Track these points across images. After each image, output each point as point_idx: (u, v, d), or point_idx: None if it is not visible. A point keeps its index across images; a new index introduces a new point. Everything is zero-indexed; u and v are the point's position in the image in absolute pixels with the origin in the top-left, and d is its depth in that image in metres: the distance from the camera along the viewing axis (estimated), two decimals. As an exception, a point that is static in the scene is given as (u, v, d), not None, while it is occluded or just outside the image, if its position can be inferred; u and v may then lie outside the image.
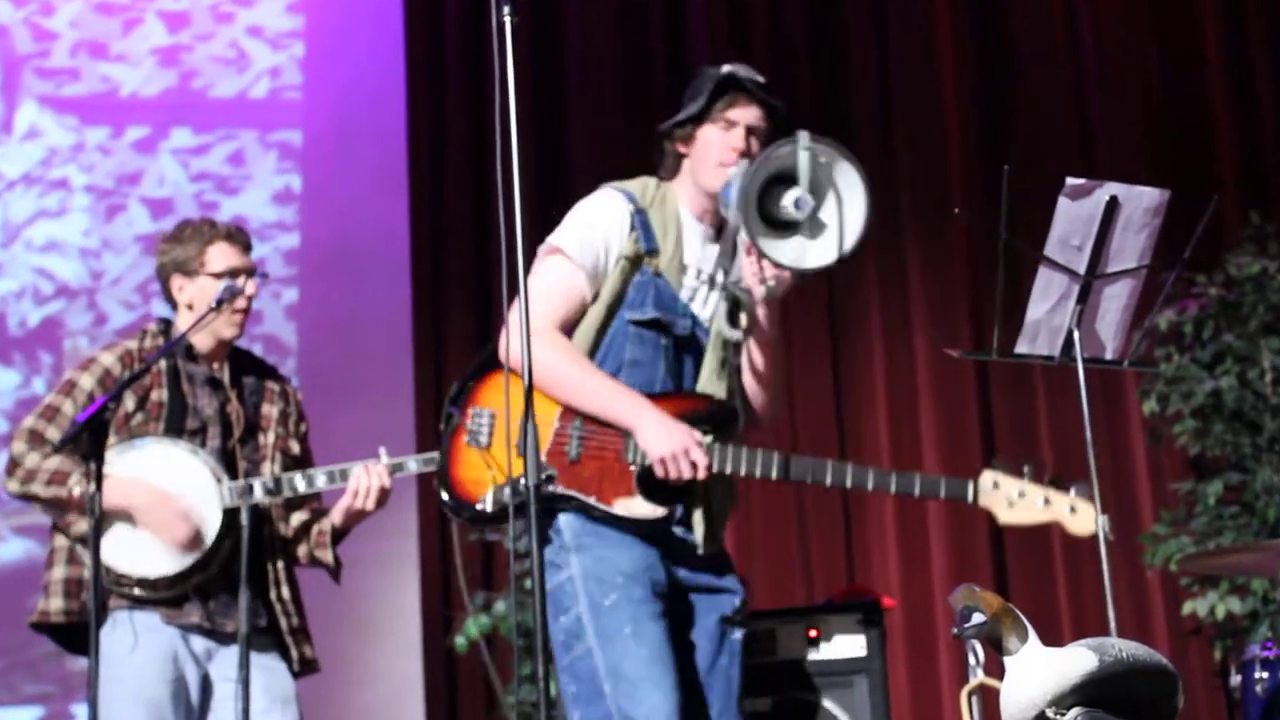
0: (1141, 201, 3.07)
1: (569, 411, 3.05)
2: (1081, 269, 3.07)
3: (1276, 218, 5.35)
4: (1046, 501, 3.13)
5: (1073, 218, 3.04)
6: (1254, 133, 6.02)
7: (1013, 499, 3.14)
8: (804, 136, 2.95)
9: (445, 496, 3.09)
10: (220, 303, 3.42)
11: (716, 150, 3.14)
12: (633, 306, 3.10)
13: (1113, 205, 3.04)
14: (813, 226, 2.97)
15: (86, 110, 6.17)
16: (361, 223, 6.12)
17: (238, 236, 3.57)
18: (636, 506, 3.02)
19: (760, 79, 3.18)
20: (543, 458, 2.98)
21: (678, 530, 3.08)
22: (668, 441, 2.99)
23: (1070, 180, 3.03)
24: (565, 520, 3.03)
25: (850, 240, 2.96)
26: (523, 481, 2.93)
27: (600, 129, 6.12)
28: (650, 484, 3.03)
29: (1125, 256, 3.09)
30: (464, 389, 3.14)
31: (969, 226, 5.88)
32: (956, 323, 5.97)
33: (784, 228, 2.98)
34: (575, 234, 3.12)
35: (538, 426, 2.93)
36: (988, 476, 3.16)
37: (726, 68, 3.17)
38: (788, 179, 2.96)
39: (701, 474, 3.01)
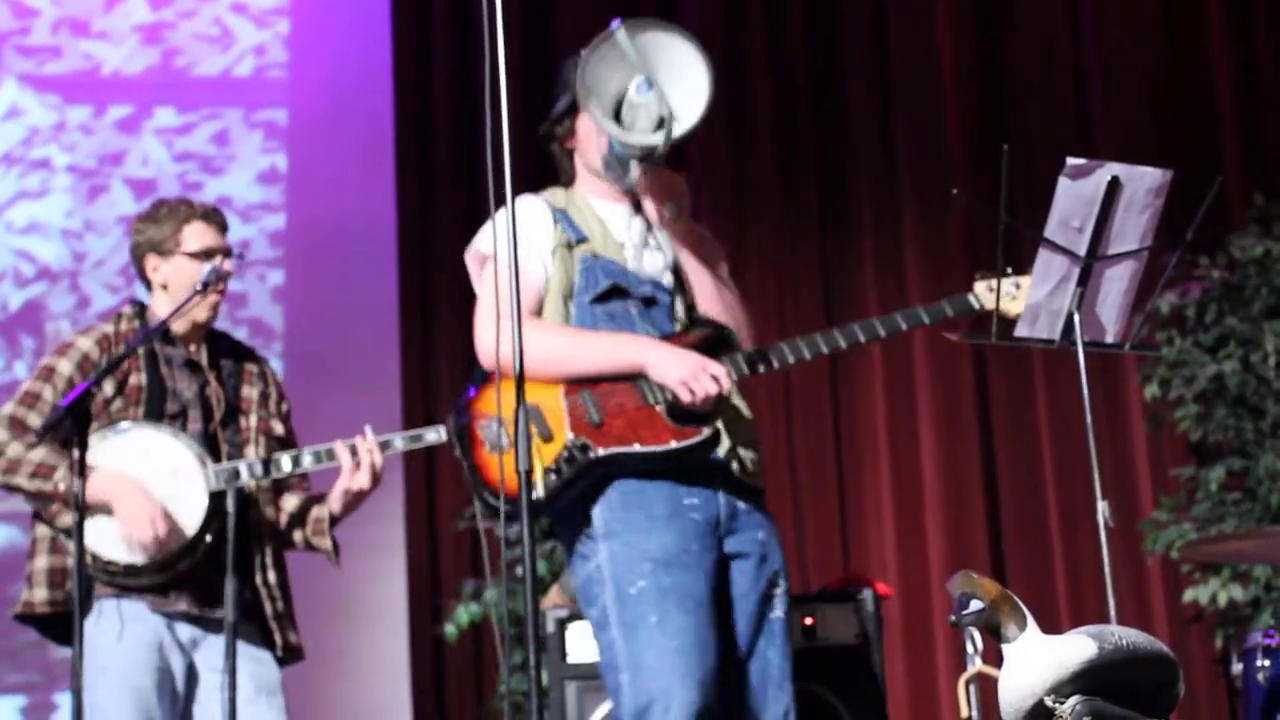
0: (1143, 182, 3.02)
1: (571, 386, 3.01)
2: (1082, 251, 3.03)
3: (1280, 198, 5.31)
4: (1017, 287, 3.17)
5: (1073, 199, 3.00)
6: (1258, 112, 6.00)
7: (1014, 293, 3.16)
8: (617, 24, 3.01)
9: (505, 507, 2.93)
10: (206, 286, 3.40)
11: (598, 132, 3.12)
12: (588, 289, 3.08)
13: (1114, 186, 3.00)
14: (665, 101, 3.01)
15: (68, 89, 6.13)
16: (348, 203, 6.09)
17: (214, 216, 3.55)
18: (680, 435, 2.97)
19: None
20: (569, 434, 2.95)
21: (719, 456, 3.03)
22: (683, 365, 2.96)
23: (1071, 160, 2.98)
24: (597, 512, 2.97)
25: (701, 96, 3.00)
26: (562, 459, 2.90)
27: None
28: (680, 417, 2.99)
29: (1126, 238, 3.04)
30: (461, 414, 3.10)
31: (968, 208, 5.84)
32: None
33: (646, 119, 3.01)
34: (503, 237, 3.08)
35: (547, 412, 2.96)
36: (980, 284, 3.19)
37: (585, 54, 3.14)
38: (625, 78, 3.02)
39: (725, 384, 2.97)
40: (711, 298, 3.14)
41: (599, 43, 3.00)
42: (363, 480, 3.42)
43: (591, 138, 3.14)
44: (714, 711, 2.89)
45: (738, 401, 3.11)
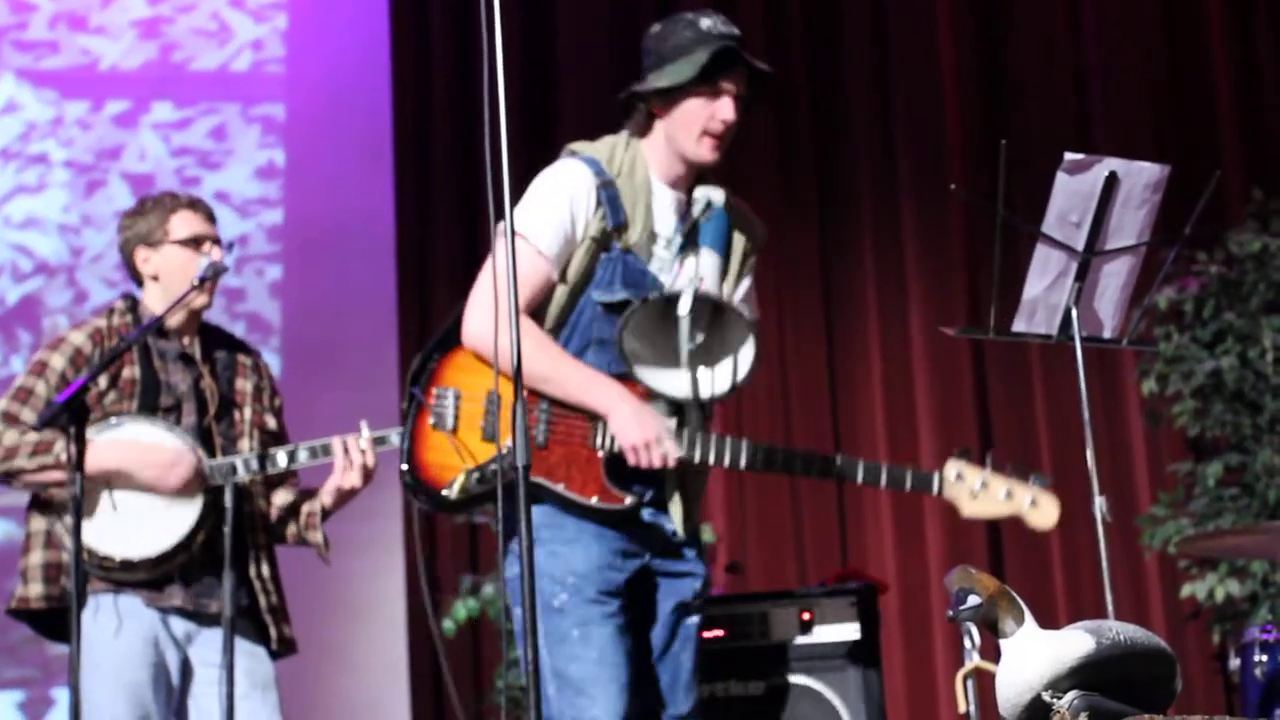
0: (1141, 177, 3.02)
1: (534, 395, 2.98)
2: (1080, 246, 3.02)
3: (1279, 194, 5.29)
4: (1009, 494, 3.14)
5: (1071, 194, 2.99)
6: (1256, 108, 5.98)
7: (975, 491, 3.14)
8: (686, 294, 2.96)
9: (409, 480, 3.04)
10: (203, 280, 3.40)
11: (702, 119, 3.03)
12: (600, 286, 3.02)
13: (1112, 181, 2.99)
14: (707, 355, 2.99)
15: (66, 84, 6.12)
16: (346, 198, 6.08)
17: (200, 205, 3.56)
18: (606, 496, 2.97)
19: (739, 39, 3.07)
20: (507, 443, 2.91)
21: (646, 514, 3.02)
22: (640, 430, 2.93)
23: (1069, 155, 2.98)
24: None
25: (734, 379, 3.01)
26: (489, 469, 2.88)
27: (591, 104, 6.04)
28: (618, 470, 2.98)
29: (1124, 233, 3.04)
30: (426, 366, 3.06)
31: (966, 202, 5.83)
32: (953, 300, 5.93)
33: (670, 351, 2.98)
34: (538, 215, 3.02)
35: (501, 410, 2.92)
36: (951, 468, 3.17)
37: (714, 28, 3.04)
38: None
39: (671, 463, 2.96)
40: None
41: (646, 304, 2.96)
42: (354, 478, 3.42)
43: (695, 119, 3.03)
44: (637, 715, 2.92)
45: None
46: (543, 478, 2.94)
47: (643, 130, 3.09)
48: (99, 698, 3.28)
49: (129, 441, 3.33)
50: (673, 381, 2.96)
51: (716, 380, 2.99)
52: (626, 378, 3.01)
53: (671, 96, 3.03)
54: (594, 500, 2.95)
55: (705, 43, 3.01)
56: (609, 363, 3.02)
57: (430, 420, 3.00)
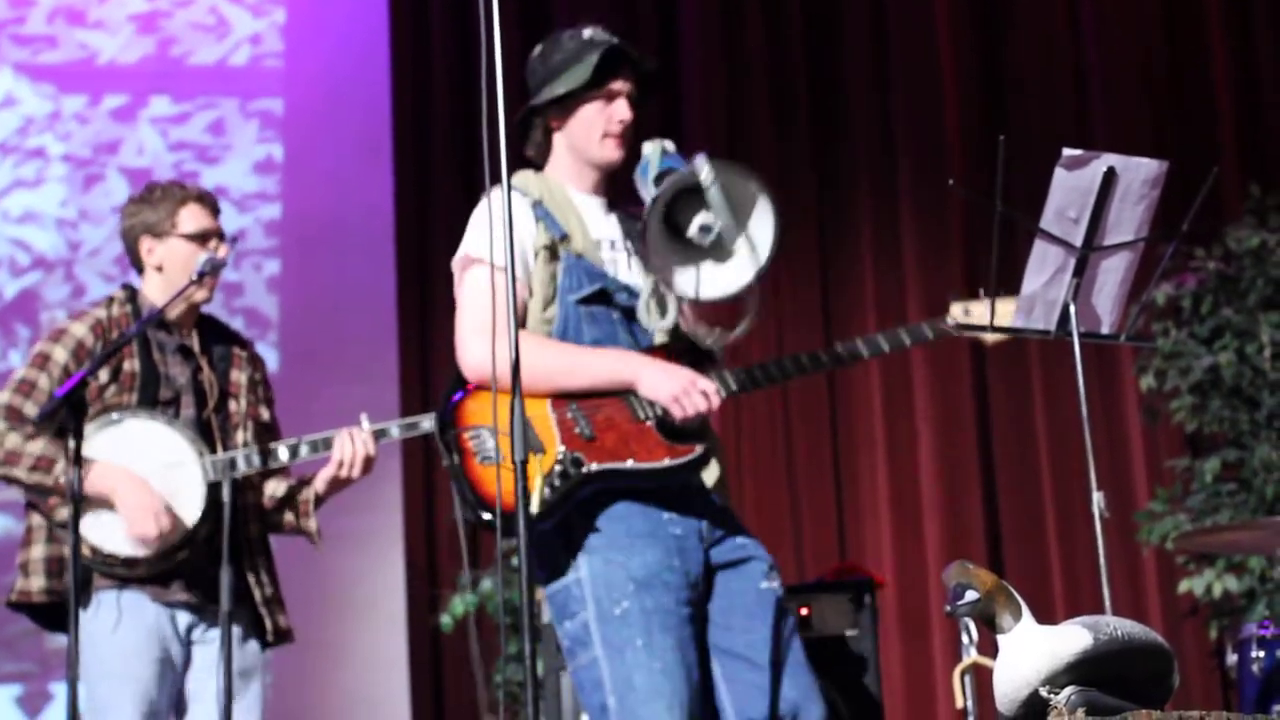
0: (1139, 173, 3.01)
1: (558, 400, 2.97)
2: (1078, 242, 3.02)
3: (1277, 190, 5.29)
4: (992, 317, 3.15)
5: (1069, 189, 2.99)
6: (1255, 105, 5.98)
7: (988, 317, 3.15)
8: (702, 162, 2.88)
9: (488, 517, 2.93)
10: (202, 275, 3.39)
11: (601, 123, 3.06)
12: (572, 289, 3.03)
13: (1110, 177, 2.99)
14: (717, 252, 2.92)
15: (63, 78, 6.11)
16: (345, 193, 6.07)
17: (207, 199, 3.54)
18: (675, 452, 2.94)
19: (622, 42, 3.10)
20: (561, 447, 2.92)
21: (699, 479, 3.00)
22: (675, 381, 2.93)
23: (1067, 151, 2.97)
24: (575, 525, 2.93)
25: (749, 275, 2.91)
26: (556, 471, 2.87)
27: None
28: (670, 433, 2.97)
29: (1123, 229, 3.04)
30: (446, 420, 3.04)
31: (964, 198, 5.83)
32: (951, 295, 5.92)
33: (687, 246, 2.92)
34: (488, 238, 2.99)
35: (537, 424, 2.90)
36: (957, 308, 3.18)
37: (596, 36, 3.08)
38: (695, 195, 2.90)
39: (715, 400, 2.95)
40: (691, 314, 3.08)
41: (680, 178, 2.89)
42: (355, 470, 3.41)
43: (593, 124, 3.07)
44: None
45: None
46: (610, 462, 2.91)
47: (543, 154, 3.14)
48: (105, 694, 3.29)
49: (122, 470, 3.31)
50: (694, 280, 2.92)
51: (738, 269, 2.92)
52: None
53: (567, 105, 3.08)
54: (666, 461, 2.92)
55: (591, 48, 3.06)
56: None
57: (477, 459, 2.95)
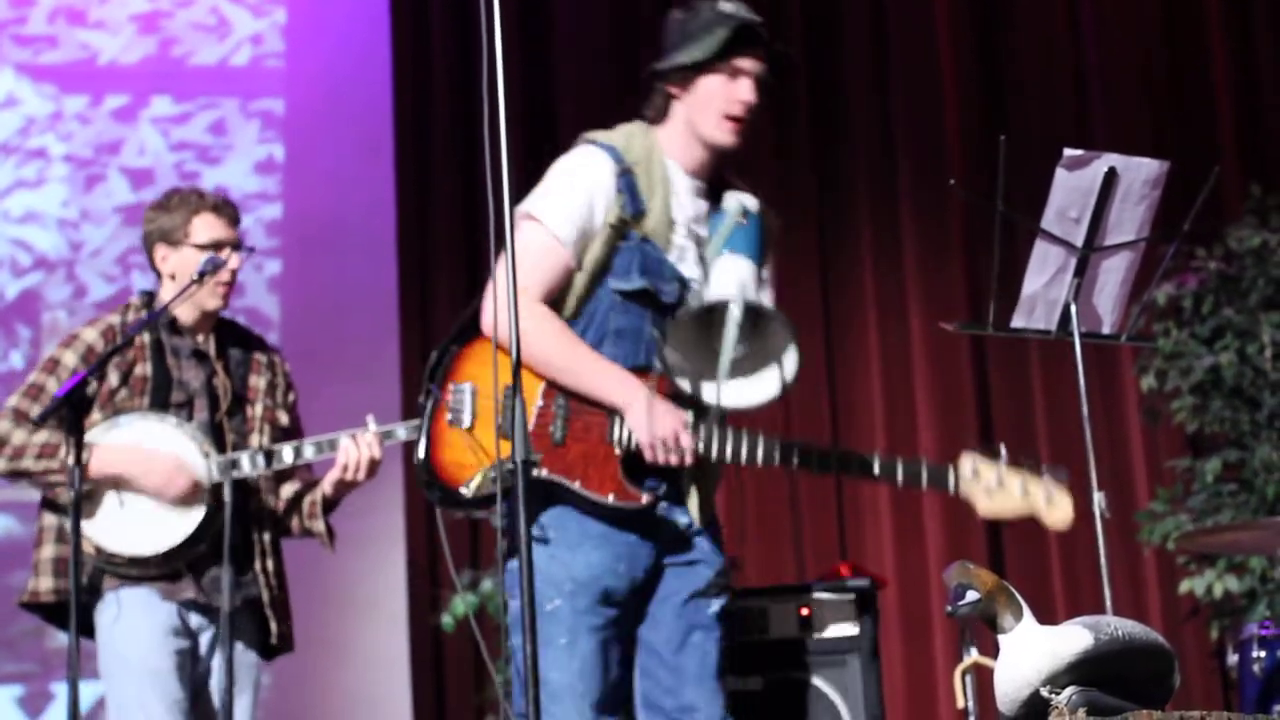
0: (1140, 173, 3.01)
1: (552, 388, 2.96)
2: (1079, 242, 3.02)
3: (1278, 190, 5.28)
4: (1025, 491, 3.04)
5: (1070, 189, 2.99)
6: (1255, 104, 5.98)
7: (991, 488, 3.04)
8: (736, 304, 2.87)
9: (424, 478, 2.99)
10: (202, 275, 3.40)
11: (721, 101, 2.99)
12: (619, 275, 2.98)
13: (1111, 177, 2.99)
14: (746, 365, 2.93)
15: (65, 78, 6.11)
16: (346, 193, 6.07)
17: (224, 208, 3.54)
18: (622, 494, 2.93)
19: (760, 21, 3.03)
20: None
21: (660, 508, 3.00)
22: (657, 427, 2.90)
23: (1068, 151, 2.97)
24: (538, 507, 2.93)
25: (770, 390, 2.92)
26: (508, 466, 2.86)
27: (591, 97, 6.04)
28: (635, 465, 2.95)
29: (1123, 229, 3.04)
30: (442, 361, 3.02)
31: (965, 199, 5.83)
32: (952, 296, 5.93)
33: (709, 354, 2.90)
34: (556, 202, 2.98)
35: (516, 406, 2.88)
36: (967, 463, 3.07)
37: (736, 11, 3.01)
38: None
39: (689, 460, 2.93)
40: None
41: (710, 304, 2.89)
42: (360, 473, 3.42)
43: (713, 100, 2.99)
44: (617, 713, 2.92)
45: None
46: (560, 475, 2.91)
47: (660, 115, 3.05)
48: (128, 690, 3.32)
49: (132, 447, 3.33)
50: (715, 391, 2.90)
51: (760, 388, 2.94)
52: (646, 370, 2.98)
53: (690, 75, 2.99)
54: (610, 499, 2.91)
55: (726, 22, 2.99)
56: (626, 355, 2.98)
57: (447, 417, 2.95)
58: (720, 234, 2.98)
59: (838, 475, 3.17)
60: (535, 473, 2.87)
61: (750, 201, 3.03)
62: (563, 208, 2.96)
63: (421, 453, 2.98)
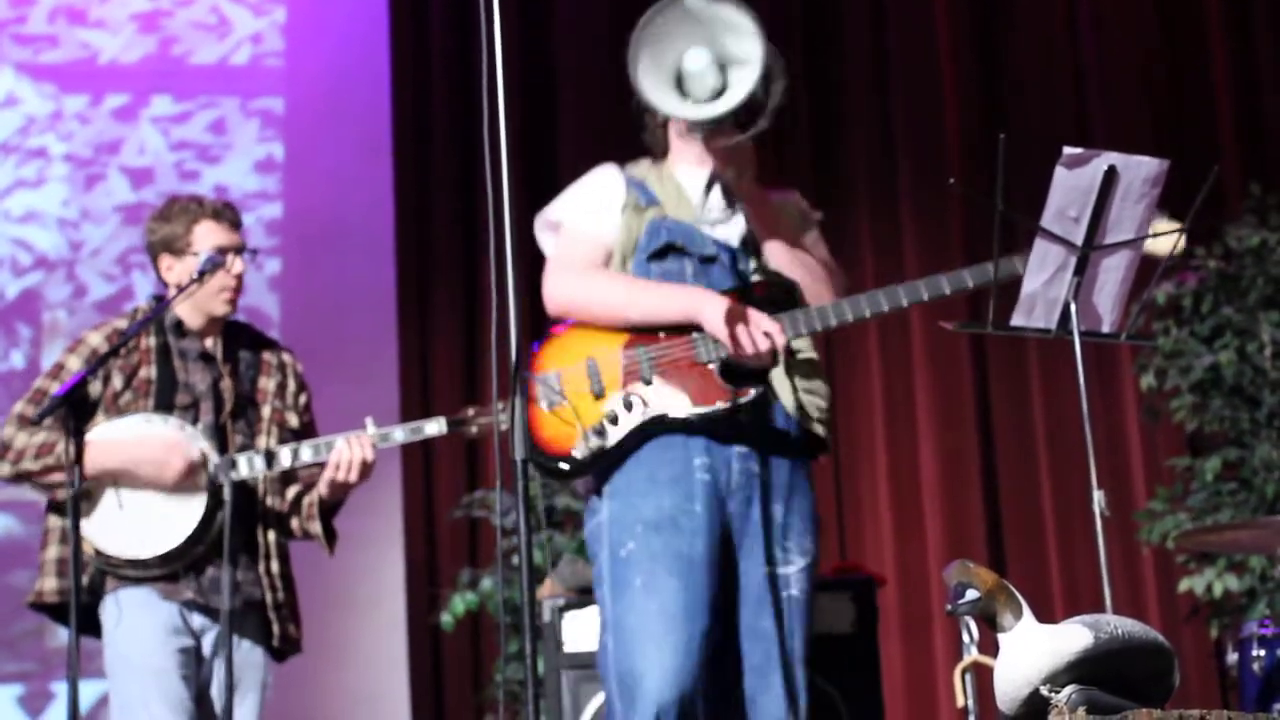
0: (1140, 171, 3.01)
1: (630, 340, 2.99)
2: (1079, 240, 3.01)
3: (1278, 189, 5.28)
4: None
5: (1070, 188, 2.98)
6: (1255, 103, 5.98)
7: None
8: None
9: (538, 461, 2.98)
10: (202, 274, 3.40)
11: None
12: (645, 246, 3.06)
13: (1111, 175, 2.98)
14: (720, 75, 2.98)
15: (65, 78, 6.11)
16: (346, 192, 6.07)
17: (225, 214, 3.54)
18: (729, 397, 2.93)
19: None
20: (620, 390, 2.95)
21: (772, 409, 2.99)
22: (735, 318, 2.92)
23: (1067, 150, 2.97)
24: (610, 470, 2.96)
25: (747, 78, 2.95)
26: (607, 417, 2.90)
27: (591, 96, 6.04)
28: (732, 375, 2.97)
29: (1123, 228, 3.03)
30: (522, 366, 3.04)
31: (965, 198, 5.83)
32: (952, 295, 5.91)
33: (702, 88, 2.97)
34: (573, 204, 3.11)
35: (603, 366, 2.96)
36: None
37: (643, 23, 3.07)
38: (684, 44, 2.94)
39: (778, 339, 2.94)
40: (783, 260, 3.09)
41: (650, 19, 2.93)
42: (350, 475, 3.41)
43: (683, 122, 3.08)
44: (698, 674, 2.85)
45: (805, 355, 3.06)
46: (660, 408, 2.93)
47: (664, 148, 3.15)
48: (131, 690, 3.33)
49: (120, 440, 3.34)
50: (676, 104, 2.97)
51: (739, 84, 2.98)
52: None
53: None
54: (718, 405, 2.92)
55: None
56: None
57: (542, 405, 2.97)
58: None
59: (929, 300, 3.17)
60: (641, 414, 2.91)
61: None
62: (581, 207, 3.09)
63: (522, 442, 2.98)
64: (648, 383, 2.95)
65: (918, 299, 3.16)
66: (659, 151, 3.16)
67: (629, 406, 2.92)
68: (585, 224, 3.07)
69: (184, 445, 3.34)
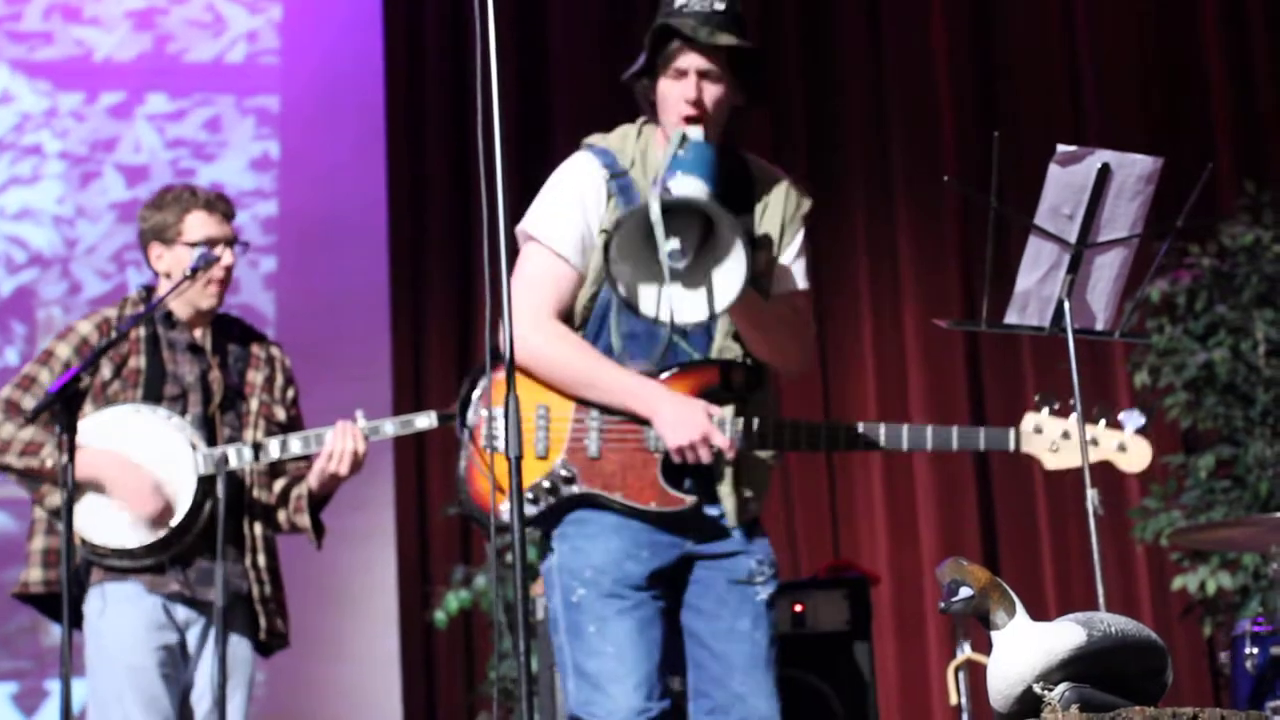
0: (1134, 169, 3.01)
1: (584, 403, 2.95)
2: (1072, 238, 3.01)
3: (1272, 187, 5.29)
4: (1093, 442, 3.02)
5: (1063, 186, 2.98)
6: (1249, 100, 5.98)
7: (1056, 443, 3.04)
8: (654, 199, 2.77)
9: (468, 512, 2.98)
10: (195, 271, 3.39)
11: (674, 103, 2.96)
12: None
13: (1104, 173, 2.98)
14: (694, 275, 2.83)
15: (60, 75, 6.11)
16: (340, 190, 6.08)
17: (217, 205, 3.53)
18: (664, 499, 2.92)
19: (709, 11, 2.95)
20: (562, 455, 2.92)
21: (705, 508, 2.98)
22: (685, 430, 2.88)
23: (1061, 147, 2.96)
24: (552, 516, 2.95)
25: (721, 301, 2.82)
26: (543, 485, 2.87)
27: (584, 95, 6.05)
28: (675, 467, 2.94)
29: (1117, 225, 3.03)
30: (470, 394, 3.00)
31: (959, 195, 5.83)
32: (946, 292, 5.93)
33: (657, 268, 2.81)
34: (550, 216, 2.99)
35: (554, 422, 2.92)
36: (1029, 421, 3.06)
37: (668, 10, 2.97)
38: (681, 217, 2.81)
39: (729, 454, 2.91)
40: (753, 335, 3.01)
41: (629, 218, 2.79)
42: (341, 466, 3.41)
43: (668, 104, 2.96)
44: (659, 707, 2.86)
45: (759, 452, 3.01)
46: (599, 489, 2.91)
47: (653, 112, 3.03)
48: (107, 685, 3.32)
49: (115, 454, 3.33)
50: (655, 303, 2.82)
51: (704, 301, 2.83)
52: (675, 373, 2.97)
53: (649, 83, 3.00)
54: (652, 506, 2.91)
55: (652, 31, 2.97)
56: (642, 355, 2.96)
57: (482, 443, 2.93)
58: (661, 165, 2.91)
59: (883, 450, 3.10)
60: (574, 489, 2.90)
61: (694, 132, 2.95)
62: (559, 222, 2.97)
63: (459, 485, 2.96)
64: (592, 458, 2.92)
65: (887, 445, 3.05)
66: (650, 115, 3.04)
67: (569, 480, 2.91)
68: (557, 245, 2.96)
69: (162, 496, 3.33)
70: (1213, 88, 5.97)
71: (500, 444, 2.88)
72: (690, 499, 2.92)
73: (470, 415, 2.99)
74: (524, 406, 2.87)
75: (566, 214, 2.97)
